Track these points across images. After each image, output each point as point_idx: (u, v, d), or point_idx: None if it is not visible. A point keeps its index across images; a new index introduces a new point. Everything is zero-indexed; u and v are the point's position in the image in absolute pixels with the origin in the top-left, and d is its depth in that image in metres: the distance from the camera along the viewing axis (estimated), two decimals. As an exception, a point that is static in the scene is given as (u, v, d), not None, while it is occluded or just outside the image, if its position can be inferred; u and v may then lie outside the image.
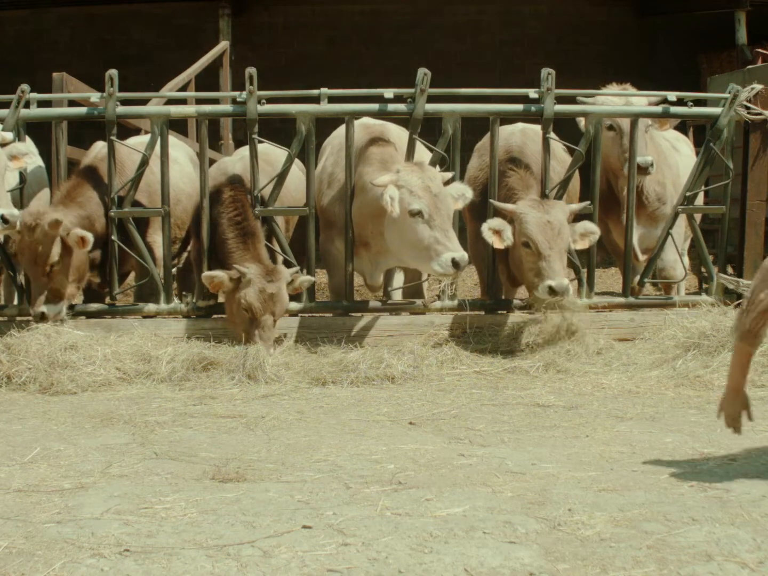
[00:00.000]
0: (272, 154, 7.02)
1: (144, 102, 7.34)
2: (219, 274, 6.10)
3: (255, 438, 4.41)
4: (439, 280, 6.54)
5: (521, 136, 6.94)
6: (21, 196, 6.50)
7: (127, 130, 6.81)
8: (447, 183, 6.23)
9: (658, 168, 6.81)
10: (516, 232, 6.19)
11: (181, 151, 7.30)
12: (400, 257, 6.29)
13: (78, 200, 6.37)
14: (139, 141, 6.97)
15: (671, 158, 7.37)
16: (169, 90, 8.30)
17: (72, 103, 6.96)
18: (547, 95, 6.50)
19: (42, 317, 5.98)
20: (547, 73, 6.51)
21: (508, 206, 6.32)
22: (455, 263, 5.78)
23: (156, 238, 6.78)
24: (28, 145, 6.34)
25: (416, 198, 5.93)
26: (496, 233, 6.20)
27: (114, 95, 6.35)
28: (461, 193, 6.18)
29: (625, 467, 3.85)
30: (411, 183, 5.98)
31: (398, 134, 6.83)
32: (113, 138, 6.43)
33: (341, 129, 6.74)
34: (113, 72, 6.33)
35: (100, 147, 6.80)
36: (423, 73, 6.35)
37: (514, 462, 3.92)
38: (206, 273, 6.16)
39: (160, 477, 3.74)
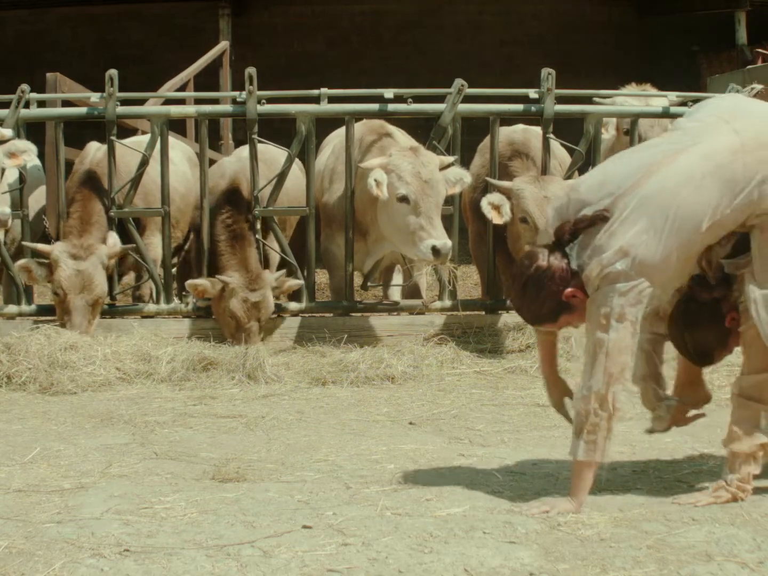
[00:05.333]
0: (268, 153, 7.01)
1: (143, 102, 7.34)
2: (202, 282, 6.16)
3: (255, 438, 4.41)
4: (439, 279, 6.56)
5: (523, 133, 6.99)
6: (21, 196, 6.49)
7: (123, 131, 6.80)
8: (447, 167, 6.22)
9: None
10: (514, 207, 6.18)
11: (177, 151, 7.27)
12: (390, 241, 6.31)
13: (94, 221, 6.35)
14: (136, 141, 6.96)
15: None
16: (167, 90, 8.29)
17: (67, 103, 6.95)
18: (547, 95, 6.50)
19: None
20: (547, 73, 6.51)
21: (505, 183, 6.32)
22: (435, 250, 5.76)
23: (153, 239, 6.78)
24: (27, 143, 6.29)
25: (404, 183, 5.92)
26: (495, 208, 6.19)
27: (114, 95, 6.34)
28: (459, 178, 6.17)
29: (625, 467, 3.85)
30: (401, 168, 5.97)
31: (396, 130, 6.86)
32: (113, 138, 6.43)
33: (342, 129, 6.75)
34: (113, 72, 6.32)
35: (95, 149, 6.78)
36: (461, 84, 6.36)
37: (514, 462, 3.92)
38: (190, 282, 6.23)
39: (160, 477, 3.74)
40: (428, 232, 5.82)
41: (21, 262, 6.18)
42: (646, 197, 3.15)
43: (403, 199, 5.92)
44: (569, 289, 3.24)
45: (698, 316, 3.41)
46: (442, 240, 5.80)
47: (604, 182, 3.27)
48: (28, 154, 6.21)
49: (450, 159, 6.30)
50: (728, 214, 3.17)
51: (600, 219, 3.18)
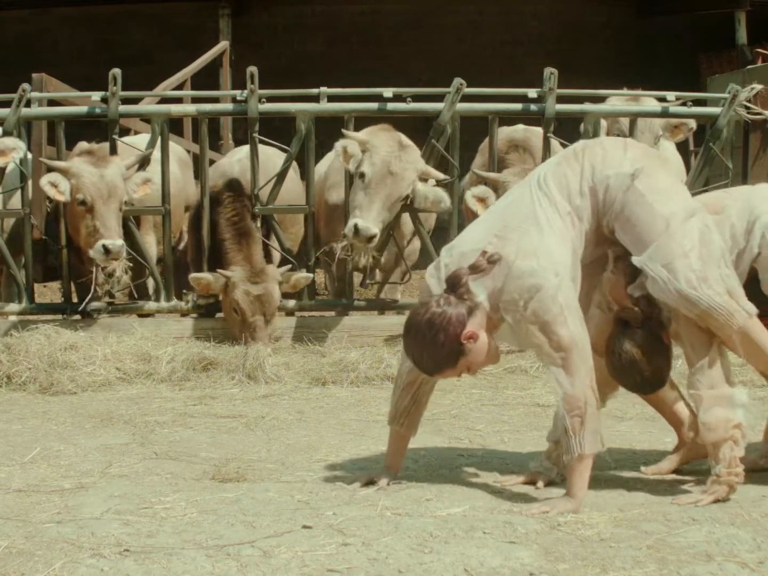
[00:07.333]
0: (261, 154, 7.00)
1: (140, 101, 7.34)
2: (206, 276, 6.18)
3: (255, 438, 4.41)
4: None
5: (524, 132, 7.05)
6: (22, 196, 6.48)
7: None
8: (428, 180, 6.26)
9: None
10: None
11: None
12: None
13: None
14: (130, 141, 6.95)
15: (677, 167, 7.38)
16: (163, 89, 8.29)
17: (54, 102, 6.93)
18: (549, 95, 6.51)
19: None
20: (550, 73, 6.53)
21: (492, 174, 6.32)
22: (355, 229, 5.93)
23: (147, 238, 6.79)
24: (16, 141, 6.26)
25: (369, 163, 6.07)
26: (480, 201, 6.22)
27: (117, 94, 6.34)
28: (438, 200, 6.22)
29: (625, 467, 3.85)
30: (376, 149, 6.12)
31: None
32: (115, 137, 6.43)
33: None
34: (116, 71, 6.31)
35: (86, 148, 6.77)
36: (459, 83, 6.38)
37: (514, 462, 3.92)
38: (193, 275, 6.24)
39: (160, 477, 3.74)
40: (362, 212, 5.99)
41: (46, 176, 6.07)
42: (513, 214, 3.40)
43: (362, 175, 6.09)
44: (467, 331, 3.26)
45: (644, 345, 3.41)
46: (367, 223, 5.92)
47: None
48: (17, 151, 6.18)
49: (440, 176, 6.32)
50: (580, 203, 3.37)
51: (493, 261, 3.28)
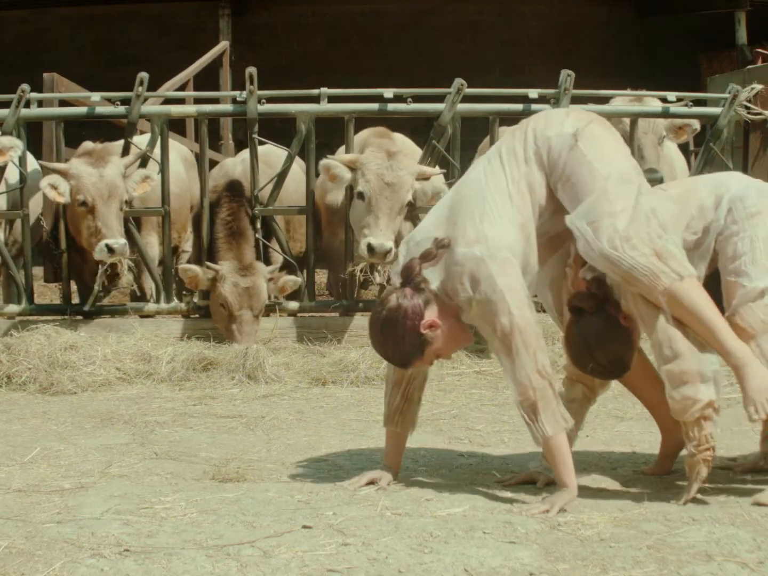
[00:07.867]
0: (272, 155, 7.03)
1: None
2: (193, 267, 6.21)
3: (255, 438, 4.41)
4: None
5: None
6: (21, 195, 6.48)
7: (118, 130, 6.80)
8: (428, 179, 6.27)
9: (671, 179, 6.77)
10: None
11: (172, 152, 7.26)
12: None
13: None
14: (138, 141, 6.96)
15: (681, 168, 7.39)
16: (166, 90, 8.29)
17: (64, 103, 6.94)
18: (564, 96, 6.51)
19: None
20: (567, 75, 6.53)
21: None
22: (370, 248, 5.92)
23: (149, 238, 6.79)
24: (13, 140, 6.26)
25: (364, 181, 6.09)
26: None
27: (142, 96, 6.34)
28: (437, 192, 6.24)
29: (625, 467, 3.85)
30: (366, 166, 6.14)
31: (399, 135, 6.87)
32: (130, 140, 6.44)
33: (359, 134, 6.82)
34: (144, 75, 6.27)
35: (89, 148, 6.79)
36: (460, 83, 6.37)
37: (514, 462, 3.92)
38: (181, 265, 6.28)
39: (160, 477, 3.74)
40: (371, 230, 5.97)
41: (46, 178, 6.07)
42: (462, 196, 3.39)
43: (360, 195, 6.10)
44: (425, 321, 3.29)
45: (597, 331, 3.36)
46: (380, 240, 5.90)
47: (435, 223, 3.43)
48: (15, 150, 6.18)
49: (435, 171, 6.33)
50: (527, 170, 3.35)
51: (444, 246, 3.30)
